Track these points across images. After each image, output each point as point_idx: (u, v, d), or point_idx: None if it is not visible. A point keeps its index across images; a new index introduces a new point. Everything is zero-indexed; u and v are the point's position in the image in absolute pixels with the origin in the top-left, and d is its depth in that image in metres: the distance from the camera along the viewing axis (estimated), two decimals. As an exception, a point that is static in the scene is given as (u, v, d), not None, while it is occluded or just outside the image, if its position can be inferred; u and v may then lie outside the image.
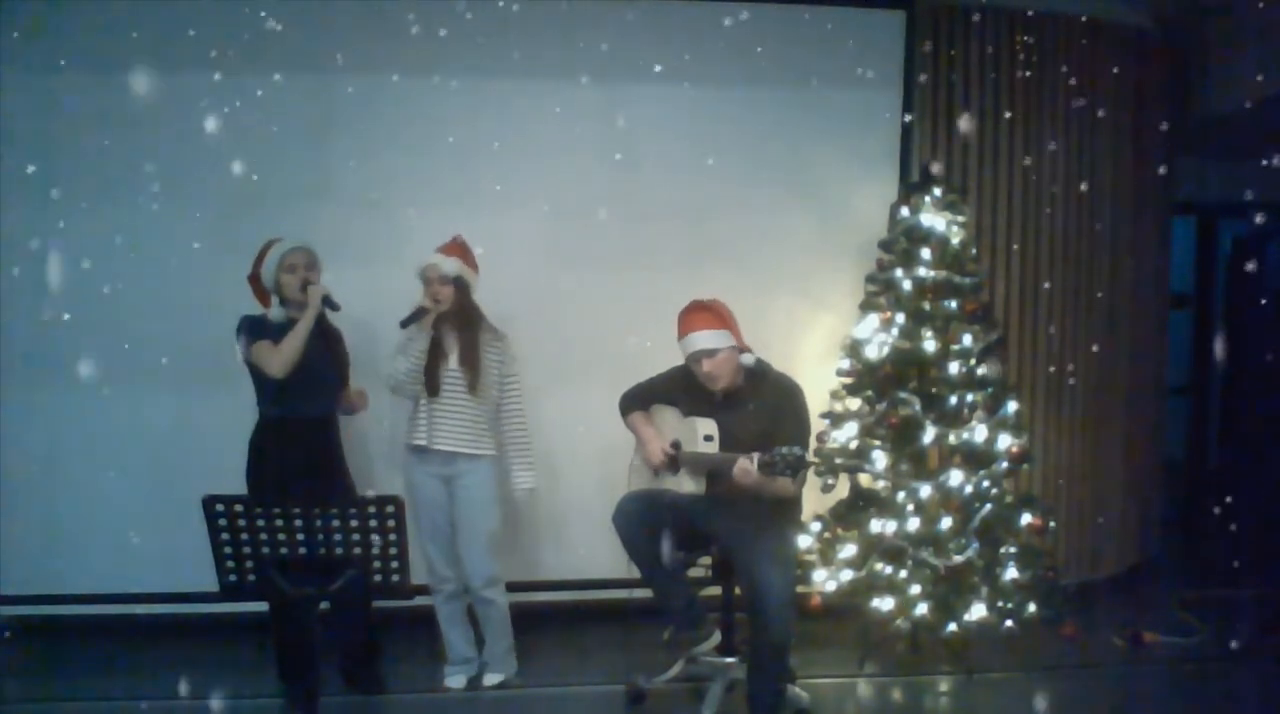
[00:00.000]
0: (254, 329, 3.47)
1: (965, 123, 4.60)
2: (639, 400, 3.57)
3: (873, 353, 4.07)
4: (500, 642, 3.77)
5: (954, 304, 4.05)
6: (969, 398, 4.00)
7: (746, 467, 3.02)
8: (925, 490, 3.93)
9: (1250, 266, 6.18)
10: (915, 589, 3.88)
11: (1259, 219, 5.71)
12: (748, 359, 3.33)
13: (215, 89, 4.07)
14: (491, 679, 3.76)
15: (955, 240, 4.10)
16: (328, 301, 3.49)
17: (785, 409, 3.29)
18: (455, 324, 3.61)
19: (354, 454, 3.86)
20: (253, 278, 3.59)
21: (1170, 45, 5.11)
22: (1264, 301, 5.58)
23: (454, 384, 3.59)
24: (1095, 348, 4.88)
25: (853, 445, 4.07)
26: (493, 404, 3.68)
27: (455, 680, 3.73)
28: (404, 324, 3.53)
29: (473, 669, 3.76)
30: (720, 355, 3.27)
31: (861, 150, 4.54)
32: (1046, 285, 4.78)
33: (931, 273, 4.06)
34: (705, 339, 3.28)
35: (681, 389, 3.44)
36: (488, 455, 3.66)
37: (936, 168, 4.19)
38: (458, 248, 3.65)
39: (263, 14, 4.07)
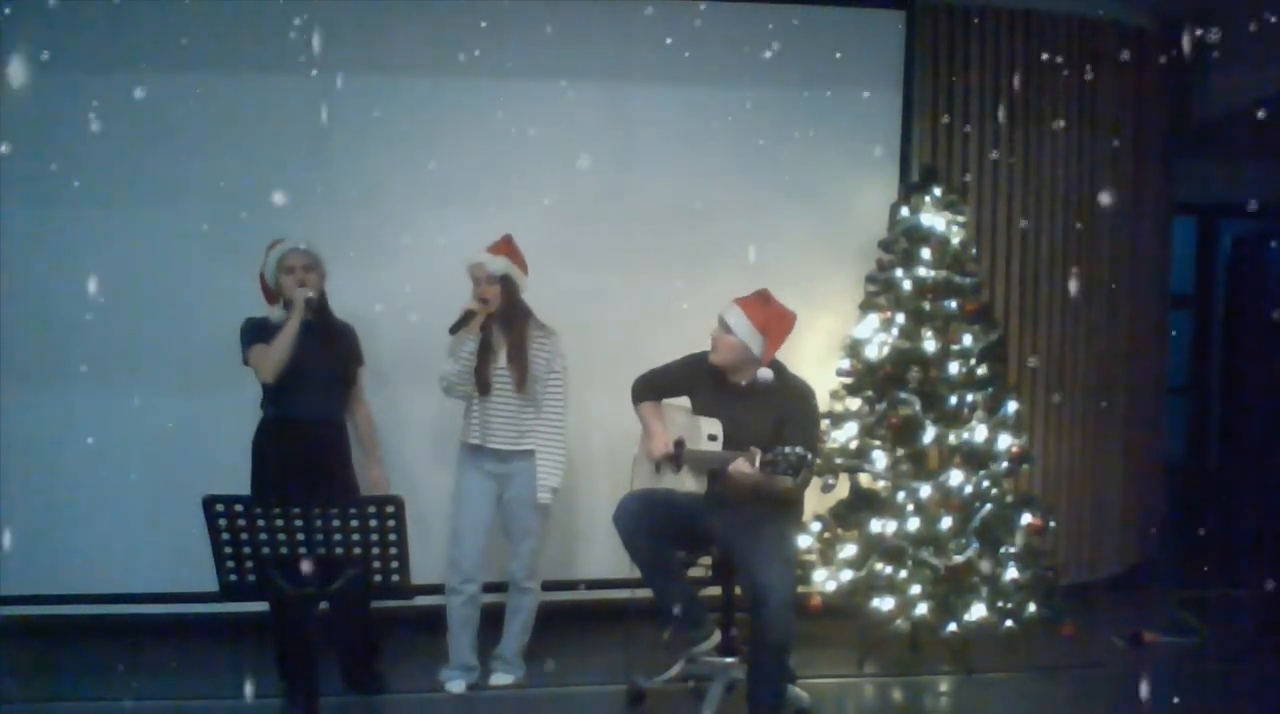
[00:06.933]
0: (253, 332, 3.49)
1: (965, 123, 4.60)
2: (653, 388, 3.56)
3: (873, 353, 4.07)
4: (519, 638, 3.78)
5: (954, 304, 4.05)
6: (969, 398, 4.00)
7: (744, 468, 3.02)
8: (925, 490, 3.93)
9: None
10: (915, 589, 3.87)
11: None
12: (764, 373, 3.33)
13: (215, 89, 4.07)
14: (502, 679, 3.75)
15: (955, 240, 4.10)
16: (310, 303, 3.48)
17: (797, 411, 3.29)
18: (503, 323, 3.63)
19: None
20: (262, 275, 3.60)
21: (1170, 45, 5.10)
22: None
23: (503, 382, 3.62)
24: (1095, 348, 4.88)
25: (853, 445, 4.08)
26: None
27: (456, 685, 3.69)
28: (453, 330, 3.57)
29: (473, 677, 3.73)
30: (728, 339, 3.30)
31: (861, 150, 4.54)
32: (1046, 285, 4.78)
33: (931, 273, 4.06)
34: (736, 319, 3.31)
35: (698, 376, 3.44)
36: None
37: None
38: (506, 246, 3.66)
39: (264, 14, 4.07)
